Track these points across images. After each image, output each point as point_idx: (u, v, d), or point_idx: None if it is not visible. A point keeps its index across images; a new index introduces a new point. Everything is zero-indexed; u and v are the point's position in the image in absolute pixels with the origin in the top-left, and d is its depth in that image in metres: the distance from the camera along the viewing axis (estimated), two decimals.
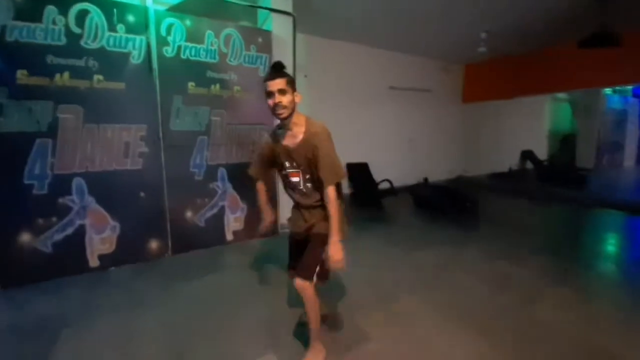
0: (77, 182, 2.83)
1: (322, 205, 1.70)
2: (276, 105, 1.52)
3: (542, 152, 10.01)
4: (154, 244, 3.24)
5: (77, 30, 2.72)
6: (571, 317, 2.22)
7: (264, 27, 3.85)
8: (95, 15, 2.78)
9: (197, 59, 3.31)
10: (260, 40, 3.66)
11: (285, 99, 1.52)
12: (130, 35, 2.94)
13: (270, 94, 1.52)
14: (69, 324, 2.16)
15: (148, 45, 3.03)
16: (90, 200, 2.89)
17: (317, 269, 1.64)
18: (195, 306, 2.39)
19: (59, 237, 2.79)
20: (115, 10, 2.85)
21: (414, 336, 2.03)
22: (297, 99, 1.57)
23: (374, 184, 5.52)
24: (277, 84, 1.51)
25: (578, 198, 5.99)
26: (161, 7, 3.32)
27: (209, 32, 3.33)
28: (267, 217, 1.92)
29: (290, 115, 1.57)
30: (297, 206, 1.82)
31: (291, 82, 1.56)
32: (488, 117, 8.49)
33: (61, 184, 2.77)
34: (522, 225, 4.50)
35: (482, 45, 5.49)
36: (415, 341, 1.99)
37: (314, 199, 1.72)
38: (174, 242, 3.34)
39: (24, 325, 2.17)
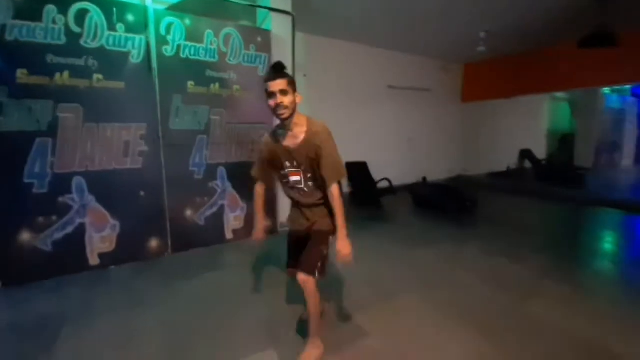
0: (77, 181, 2.84)
1: (323, 204, 1.74)
2: (278, 105, 1.52)
3: (541, 152, 10.03)
4: (153, 243, 3.24)
5: (76, 29, 2.73)
6: (570, 315, 2.23)
7: (263, 27, 3.86)
8: (95, 14, 2.78)
9: (197, 58, 3.31)
10: (259, 39, 3.67)
11: (286, 100, 1.52)
12: (130, 35, 2.95)
13: (271, 95, 1.53)
14: (69, 323, 2.17)
15: (147, 45, 3.04)
16: (90, 199, 2.90)
17: (319, 264, 1.67)
18: (195, 305, 2.40)
19: (59, 235, 2.80)
20: (114, 9, 2.85)
21: (414, 334, 2.05)
22: (297, 100, 1.58)
23: (373, 183, 5.52)
24: (279, 84, 1.51)
25: (576, 197, 6.01)
26: (161, 7, 3.32)
27: (208, 31, 3.34)
28: (259, 226, 1.88)
29: (291, 115, 1.58)
30: (297, 205, 1.83)
31: (292, 83, 1.57)
32: (487, 117, 8.51)
33: (61, 183, 2.77)
34: (521, 224, 4.52)
35: (481, 45, 5.51)
36: (415, 339, 2.00)
37: (315, 197, 1.74)
38: (174, 241, 3.35)
39: (24, 324, 2.18)
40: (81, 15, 2.73)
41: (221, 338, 2.01)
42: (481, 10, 4.46)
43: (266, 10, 3.79)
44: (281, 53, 3.79)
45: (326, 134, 1.62)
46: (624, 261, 3.35)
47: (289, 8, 3.87)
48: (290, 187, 1.78)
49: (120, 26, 2.89)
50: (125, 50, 2.94)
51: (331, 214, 1.75)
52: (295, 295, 2.40)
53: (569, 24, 4.85)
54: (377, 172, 5.68)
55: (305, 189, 1.73)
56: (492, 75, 7.39)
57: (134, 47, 2.98)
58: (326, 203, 1.76)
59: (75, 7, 2.70)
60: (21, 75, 2.56)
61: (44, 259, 2.75)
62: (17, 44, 2.53)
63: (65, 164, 2.78)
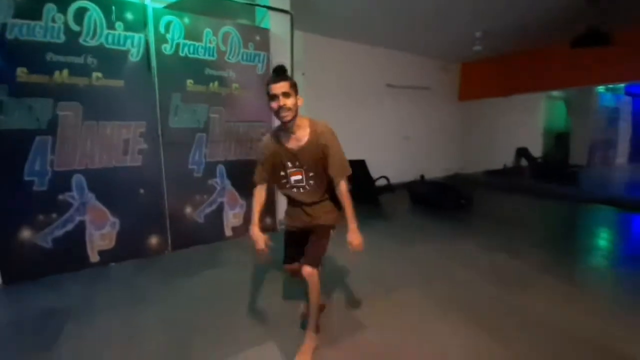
0: (77, 178, 2.85)
1: (326, 199, 1.80)
2: (281, 108, 1.54)
3: (537, 150, 10.12)
4: (153, 240, 3.26)
5: (76, 27, 2.73)
6: (570, 310, 2.27)
7: (262, 25, 3.87)
8: (94, 12, 2.79)
9: (196, 56, 3.32)
10: (258, 38, 3.68)
11: (289, 102, 1.55)
12: (129, 33, 2.95)
13: (274, 97, 1.54)
14: (69, 320, 2.18)
15: (147, 43, 3.05)
16: (90, 196, 2.91)
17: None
18: (195, 302, 2.43)
19: (59, 233, 2.82)
20: (113, 7, 2.86)
21: (414, 327, 2.08)
22: (299, 102, 1.61)
23: (371, 180, 5.56)
24: (281, 87, 1.53)
25: (571, 194, 6.09)
26: (159, 5, 3.32)
27: (207, 29, 3.35)
28: (259, 242, 1.72)
29: (294, 118, 1.60)
30: (296, 203, 1.85)
31: (294, 85, 1.59)
32: (484, 115, 8.57)
33: (61, 181, 2.78)
34: (518, 221, 4.57)
35: (477, 44, 5.55)
36: (415, 332, 2.03)
37: (318, 195, 1.78)
38: (174, 238, 3.37)
39: (25, 321, 2.19)
40: (80, 14, 2.73)
41: (221, 334, 2.04)
42: (481, 10, 4.49)
43: (265, 9, 3.80)
44: (280, 52, 3.82)
45: (330, 133, 1.67)
46: (618, 257, 3.41)
47: (287, 7, 3.88)
48: (290, 187, 1.79)
49: (119, 24, 2.90)
50: (124, 48, 2.95)
51: (334, 209, 1.82)
52: (293, 290, 2.44)
53: (563, 23, 4.90)
54: (376, 170, 5.71)
55: (307, 187, 1.76)
56: (488, 74, 7.44)
57: (133, 46, 2.99)
58: (330, 199, 1.82)
59: (74, 6, 2.70)
60: (21, 73, 2.57)
61: (44, 256, 2.77)
62: (17, 43, 2.54)
63: (65, 162, 2.79)
